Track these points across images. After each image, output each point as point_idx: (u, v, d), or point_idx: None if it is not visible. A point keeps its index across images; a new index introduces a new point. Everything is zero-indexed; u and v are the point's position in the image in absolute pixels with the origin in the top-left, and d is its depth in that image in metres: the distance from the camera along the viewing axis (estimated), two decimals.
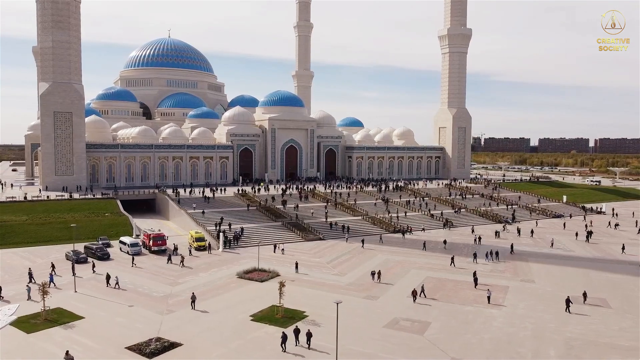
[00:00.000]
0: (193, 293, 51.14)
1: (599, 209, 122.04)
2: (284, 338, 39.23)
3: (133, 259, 66.81)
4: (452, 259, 68.85)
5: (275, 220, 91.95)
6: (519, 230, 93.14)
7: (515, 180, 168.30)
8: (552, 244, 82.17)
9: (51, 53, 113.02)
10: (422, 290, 54.25)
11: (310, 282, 59.91)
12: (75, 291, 54.19)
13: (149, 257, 70.88)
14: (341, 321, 46.69)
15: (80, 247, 71.70)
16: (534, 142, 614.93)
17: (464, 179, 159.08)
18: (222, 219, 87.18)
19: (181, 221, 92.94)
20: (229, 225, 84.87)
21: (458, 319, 47.68)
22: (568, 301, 50.11)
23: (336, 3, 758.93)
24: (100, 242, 75.84)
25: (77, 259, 65.99)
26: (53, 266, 61.01)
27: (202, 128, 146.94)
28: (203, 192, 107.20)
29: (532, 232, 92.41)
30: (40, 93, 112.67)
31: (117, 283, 55.66)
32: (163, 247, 73.22)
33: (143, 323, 45.43)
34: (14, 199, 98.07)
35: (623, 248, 79.26)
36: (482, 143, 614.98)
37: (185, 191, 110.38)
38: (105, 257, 68.72)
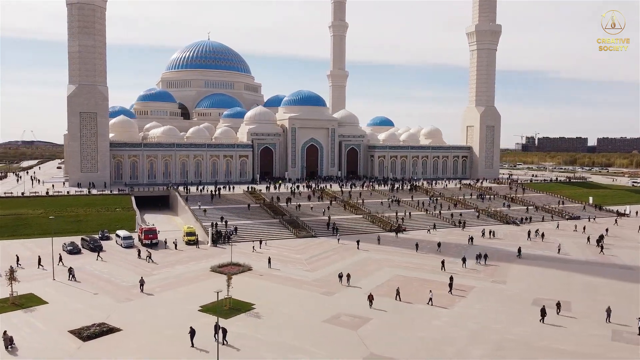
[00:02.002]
0: (142, 277, 54.99)
1: (622, 211, 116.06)
2: (192, 333, 39.90)
3: (98, 252, 70.00)
4: (443, 262, 65.70)
5: (274, 218, 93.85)
6: (529, 233, 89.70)
7: (545, 180, 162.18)
8: (559, 249, 77.28)
9: (77, 57, 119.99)
10: (397, 294, 52.61)
11: (278, 276, 61.32)
12: (54, 279, 58.15)
13: (136, 250, 74.27)
14: (285, 314, 48.48)
15: (89, 238, 76.48)
16: (592, 142, 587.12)
17: (486, 179, 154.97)
18: (222, 217, 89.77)
19: (186, 217, 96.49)
20: (225, 222, 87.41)
21: (403, 317, 47.70)
22: (543, 311, 46.71)
23: (373, 3, 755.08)
24: (100, 235, 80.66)
25: (70, 250, 70.72)
26: (17, 258, 64.66)
27: (225, 127, 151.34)
28: (215, 190, 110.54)
29: (542, 235, 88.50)
30: (67, 95, 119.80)
31: (72, 275, 58.48)
32: (154, 241, 76.69)
33: (98, 309, 48.33)
34: (36, 194, 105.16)
35: (601, 248, 78.26)
36: (536, 143, 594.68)
37: (197, 189, 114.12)
38: (97, 248, 72.78)
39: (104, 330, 42.70)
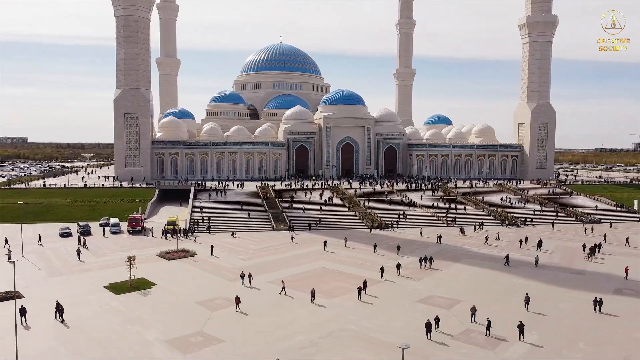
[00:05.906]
0: (78, 247, 67.32)
1: None
2: (23, 311, 42.72)
3: (40, 238, 76.97)
4: (382, 270, 60.10)
5: (266, 212, 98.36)
6: (524, 239, 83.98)
7: (600, 182, 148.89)
8: (536, 261, 68.24)
9: (123, 64, 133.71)
10: (313, 295, 50.74)
11: (209, 263, 66.05)
12: (23, 255, 67.79)
13: (120, 236, 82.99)
14: (173, 294, 53.49)
15: (81, 224, 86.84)
16: None
17: (526, 180, 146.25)
18: (206, 217, 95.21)
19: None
20: (208, 218, 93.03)
21: (271, 304, 49.58)
22: (429, 325, 41.96)
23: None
24: (103, 221, 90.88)
25: (62, 234, 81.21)
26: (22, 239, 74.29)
27: (265, 126, 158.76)
28: (219, 185, 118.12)
29: (540, 242, 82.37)
30: (114, 98, 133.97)
31: (9, 258, 65.80)
32: (137, 228, 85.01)
33: (26, 280, 56.17)
34: (75, 186, 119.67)
35: (539, 244, 76.47)
36: None
37: (217, 184, 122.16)
38: (86, 233, 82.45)
39: (7, 297, 50.24)
